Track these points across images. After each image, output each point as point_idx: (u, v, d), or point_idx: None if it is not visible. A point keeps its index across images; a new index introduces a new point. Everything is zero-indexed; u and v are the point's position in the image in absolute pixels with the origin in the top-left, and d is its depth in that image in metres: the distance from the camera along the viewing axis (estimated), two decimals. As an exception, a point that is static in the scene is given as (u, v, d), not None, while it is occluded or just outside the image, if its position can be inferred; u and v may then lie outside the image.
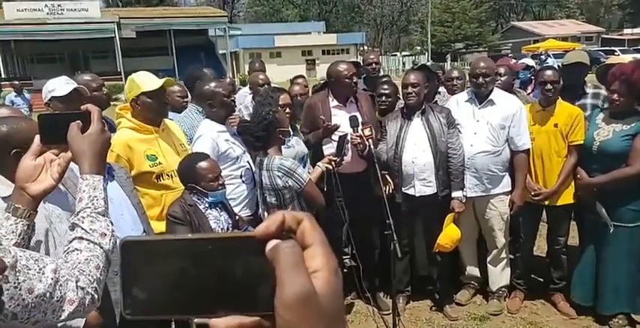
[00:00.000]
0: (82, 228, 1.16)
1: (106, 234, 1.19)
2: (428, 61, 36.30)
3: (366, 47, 42.94)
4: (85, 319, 1.78)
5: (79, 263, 1.13)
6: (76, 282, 1.09)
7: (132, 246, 0.40)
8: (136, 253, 0.40)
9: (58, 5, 27.73)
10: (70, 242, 1.17)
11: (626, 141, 2.99)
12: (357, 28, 59.34)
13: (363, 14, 62.62)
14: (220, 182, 2.52)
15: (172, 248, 0.40)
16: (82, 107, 1.21)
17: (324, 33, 43.60)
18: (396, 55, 45.82)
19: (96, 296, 1.13)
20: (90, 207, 1.18)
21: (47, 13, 26.59)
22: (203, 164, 2.47)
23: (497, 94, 3.35)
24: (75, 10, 27.85)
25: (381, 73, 4.94)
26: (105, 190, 1.21)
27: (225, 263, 0.39)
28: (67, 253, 1.15)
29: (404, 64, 37.46)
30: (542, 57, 20.17)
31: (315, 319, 0.36)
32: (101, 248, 1.17)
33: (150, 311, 0.40)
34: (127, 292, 0.40)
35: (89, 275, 1.12)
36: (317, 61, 37.23)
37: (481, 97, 3.34)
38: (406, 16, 62.19)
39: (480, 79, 3.27)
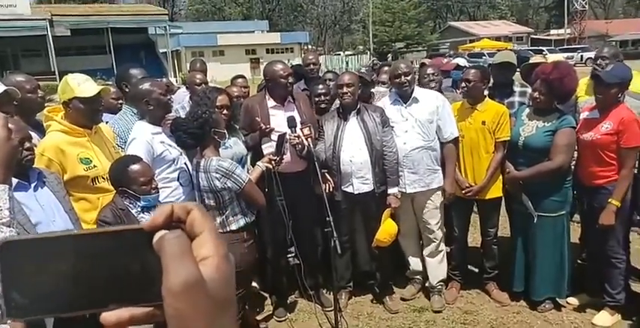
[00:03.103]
0: None
1: None
2: (370, 59, 36.92)
3: (310, 46, 43.09)
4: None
5: None
6: None
7: (12, 246, 0.39)
8: (17, 253, 0.39)
9: (-18, 1, 26.08)
10: None
11: (548, 137, 3.18)
12: (301, 27, 59.44)
13: (306, 14, 62.87)
14: (153, 185, 2.46)
15: (56, 245, 0.39)
16: None
17: (267, 32, 43.35)
18: (339, 54, 46.32)
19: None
20: None
21: (-30, 10, 24.92)
22: (134, 167, 2.40)
23: (419, 92, 3.49)
24: (1, 6, 26.22)
25: (321, 73, 4.97)
26: (11, 200, 1.14)
27: (113, 256, 0.39)
28: None
29: (347, 63, 37.87)
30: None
31: (203, 305, 0.37)
32: None
33: (36, 311, 0.39)
34: (8, 294, 0.38)
35: None
36: (261, 60, 36.93)
37: (405, 97, 3.46)
38: (348, 16, 63.04)
39: (402, 78, 3.39)
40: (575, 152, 3.30)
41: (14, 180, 2.05)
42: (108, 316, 0.40)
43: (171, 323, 0.37)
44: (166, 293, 0.37)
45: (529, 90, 3.73)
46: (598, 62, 3.79)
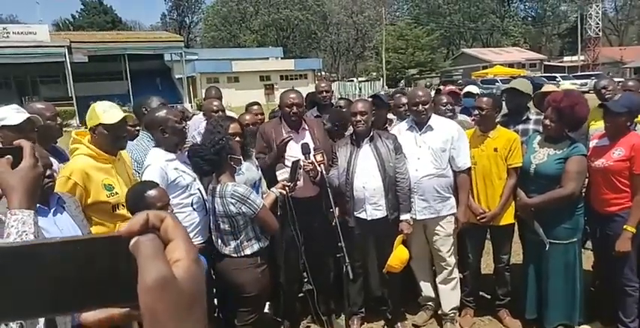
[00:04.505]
0: None
1: None
2: (383, 86, 37.29)
3: (323, 73, 43.67)
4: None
5: None
6: None
7: None
8: (3, 259, 0.41)
9: (4, 28, 26.97)
10: None
11: (559, 164, 3.20)
12: (315, 54, 60.33)
13: (320, 41, 63.89)
14: (169, 210, 2.52)
15: (40, 251, 0.42)
16: (14, 142, 1.22)
17: (281, 58, 44.05)
18: (352, 80, 46.80)
19: None
20: None
21: (-8, 37, 25.78)
22: (151, 193, 2.46)
23: (435, 120, 3.55)
24: (22, 33, 27.07)
25: (334, 100, 5.07)
26: (36, 224, 1.18)
27: (94, 261, 0.42)
28: None
29: (360, 89, 38.26)
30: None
31: (173, 300, 0.40)
32: None
33: (20, 313, 0.42)
34: None
35: None
36: (275, 86, 37.47)
37: (420, 124, 3.52)
38: (361, 43, 63.88)
39: (420, 107, 3.46)
40: (586, 179, 3.31)
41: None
42: (89, 316, 0.44)
43: (145, 317, 0.41)
44: (140, 290, 0.40)
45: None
46: (602, 92, 3.84)
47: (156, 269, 0.40)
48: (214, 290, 3.34)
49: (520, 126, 3.87)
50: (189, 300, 0.42)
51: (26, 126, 2.60)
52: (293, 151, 3.39)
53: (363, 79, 49.05)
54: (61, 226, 2.25)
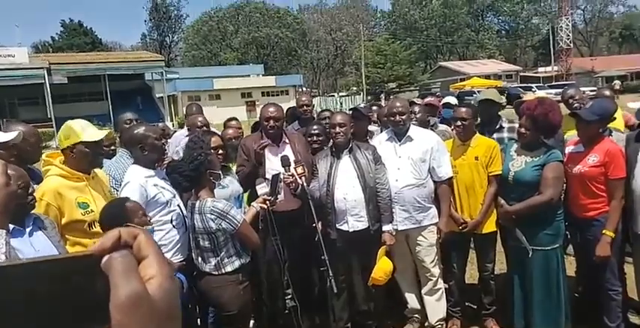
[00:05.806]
0: None
1: None
2: (363, 100, 37.65)
3: (304, 88, 43.95)
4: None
5: None
6: None
7: None
8: None
9: (-19, 52, 26.72)
10: None
11: (537, 171, 3.23)
12: (295, 70, 60.71)
13: (300, 57, 64.43)
14: (148, 219, 2.57)
15: (6, 273, 0.39)
16: None
17: (262, 75, 44.26)
18: (333, 95, 47.18)
19: None
20: None
21: (-30, 61, 25.47)
22: (129, 204, 2.51)
23: (415, 131, 3.57)
24: (0, 56, 26.81)
25: (315, 114, 5.08)
26: (7, 244, 1.18)
27: (64, 282, 0.40)
28: None
29: (341, 104, 38.55)
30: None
31: (146, 318, 0.39)
32: None
33: None
34: None
35: None
36: (257, 103, 37.51)
37: (400, 135, 3.54)
38: (341, 59, 64.65)
39: (397, 117, 3.48)
40: (565, 185, 3.35)
41: (9, 226, 2.07)
42: None
43: None
44: (113, 307, 0.39)
45: (517, 125, 3.82)
46: (570, 102, 3.93)
47: (129, 286, 0.39)
48: (197, 308, 3.28)
49: (495, 135, 3.92)
50: (163, 318, 0.40)
51: (15, 142, 2.56)
52: (273, 164, 3.38)
53: (344, 93, 49.49)
54: (38, 247, 2.20)
